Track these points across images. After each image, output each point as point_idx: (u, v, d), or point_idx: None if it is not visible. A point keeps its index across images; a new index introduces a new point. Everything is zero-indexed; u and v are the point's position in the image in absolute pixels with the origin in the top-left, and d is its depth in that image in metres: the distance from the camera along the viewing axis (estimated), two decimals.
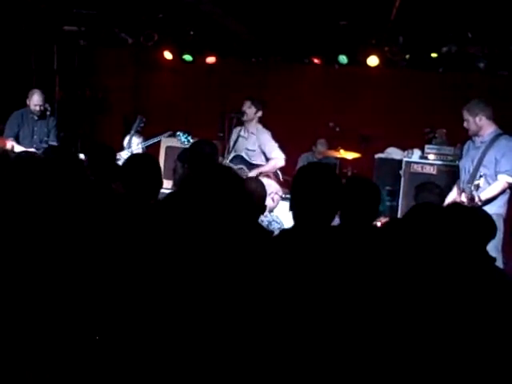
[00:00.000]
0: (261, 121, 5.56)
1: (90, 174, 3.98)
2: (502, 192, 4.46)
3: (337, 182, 2.25)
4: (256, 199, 3.27)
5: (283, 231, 2.30)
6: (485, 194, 4.31)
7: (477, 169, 4.54)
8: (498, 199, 4.46)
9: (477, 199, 4.23)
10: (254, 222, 3.22)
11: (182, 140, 5.47)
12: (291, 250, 2.17)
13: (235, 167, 5.38)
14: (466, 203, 4.29)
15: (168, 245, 2.44)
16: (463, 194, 4.44)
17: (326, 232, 2.20)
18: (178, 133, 5.52)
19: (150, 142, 6.02)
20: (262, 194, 3.37)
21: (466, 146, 4.91)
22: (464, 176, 4.71)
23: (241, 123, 5.59)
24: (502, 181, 4.41)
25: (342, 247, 2.22)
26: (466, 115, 4.64)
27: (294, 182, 2.29)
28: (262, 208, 3.36)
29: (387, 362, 2.03)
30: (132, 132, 5.72)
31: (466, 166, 4.73)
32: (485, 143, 4.59)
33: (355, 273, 2.11)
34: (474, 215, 2.80)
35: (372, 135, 6.86)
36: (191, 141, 5.41)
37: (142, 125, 5.80)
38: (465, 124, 4.67)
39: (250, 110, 5.46)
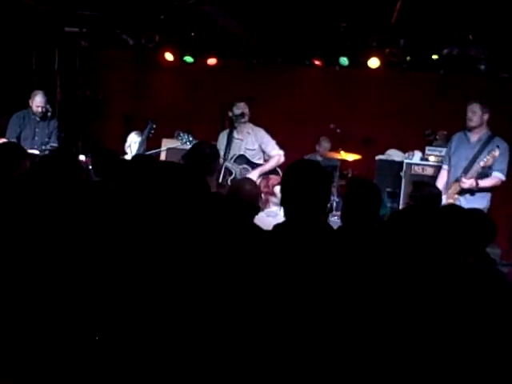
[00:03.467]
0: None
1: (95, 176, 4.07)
2: (492, 188, 4.90)
3: (324, 177, 2.28)
4: (250, 199, 3.35)
5: (275, 226, 2.32)
6: (482, 183, 4.79)
7: (471, 165, 4.89)
8: (488, 194, 4.90)
9: (475, 183, 4.74)
10: (249, 221, 3.29)
11: (184, 140, 5.46)
12: (282, 244, 2.20)
13: (240, 167, 5.42)
14: (464, 185, 4.78)
15: (164, 243, 2.44)
16: (458, 183, 4.85)
17: (316, 226, 2.23)
18: (180, 133, 5.49)
19: (152, 152, 5.97)
20: (256, 194, 3.45)
21: (454, 140, 5.21)
22: (455, 172, 5.03)
23: (231, 125, 5.58)
24: (496, 178, 4.83)
25: (336, 245, 2.24)
26: (475, 107, 4.94)
27: (284, 177, 2.35)
28: (256, 208, 3.42)
29: (377, 358, 2.03)
30: (143, 137, 5.68)
31: (459, 162, 5.04)
32: (480, 142, 4.95)
33: (345, 267, 2.13)
34: (473, 218, 2.81)
35: (373, 137, 6.86)
36: (192, 141, 5.40)
37: (152, 131, 5.74)
38: (469, 114, 4.94)
39: (247, 111, 5.52)
